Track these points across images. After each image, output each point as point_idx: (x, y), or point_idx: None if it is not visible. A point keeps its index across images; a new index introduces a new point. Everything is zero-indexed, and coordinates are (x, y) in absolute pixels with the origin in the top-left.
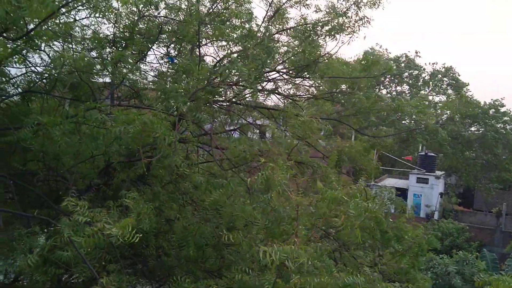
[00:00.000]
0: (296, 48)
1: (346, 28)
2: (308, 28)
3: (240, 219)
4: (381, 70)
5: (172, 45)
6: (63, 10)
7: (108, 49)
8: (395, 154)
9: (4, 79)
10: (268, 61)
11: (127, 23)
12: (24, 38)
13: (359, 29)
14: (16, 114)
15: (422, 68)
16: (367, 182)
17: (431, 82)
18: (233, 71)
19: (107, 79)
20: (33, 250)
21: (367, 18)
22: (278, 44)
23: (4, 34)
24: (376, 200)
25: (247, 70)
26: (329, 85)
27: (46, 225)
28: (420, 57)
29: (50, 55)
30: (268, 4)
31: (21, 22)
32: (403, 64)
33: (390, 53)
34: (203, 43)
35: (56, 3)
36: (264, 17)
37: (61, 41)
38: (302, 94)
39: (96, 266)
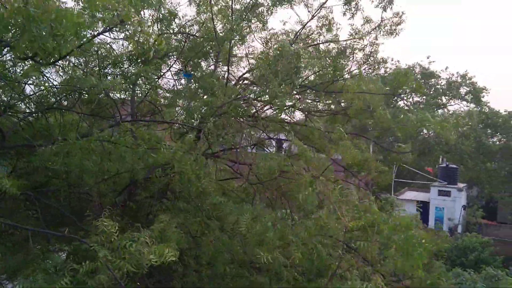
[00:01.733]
0: (320, 66)
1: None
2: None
3: (273, 241)
4: (411, 89)
5: (190, 62)
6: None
7: (126, 66)
8: (414, 166)
9: (22, 96)
10: (299, 80)
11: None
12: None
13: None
14: (38, 130)
15: (438, 76)
16: (385, 194)
17: (448, 91)
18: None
19: (125, 96)
20: (59, 268)
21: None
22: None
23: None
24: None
25: (282, 88)
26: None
27: (67, 243)
28: (433, 62)
29: (70, 72)
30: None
31: (54, 50)
32: (418, 75)
33: (402, 65)
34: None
35: (89, 34)
36: (295, 36)
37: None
38: (322, 109)
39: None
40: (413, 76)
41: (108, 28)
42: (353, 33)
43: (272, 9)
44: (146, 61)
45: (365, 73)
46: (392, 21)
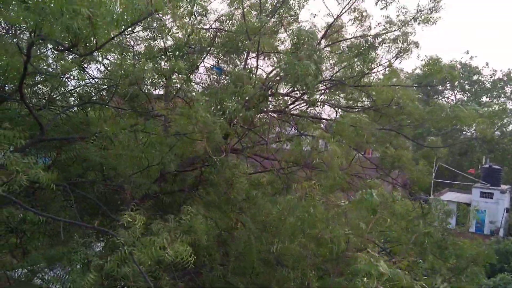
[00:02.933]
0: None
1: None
2: (363, 43)
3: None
4: (445, 77)
5: (222, 56)
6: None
7: (161, 62)
8: (455, 167)
9: (64, 90)
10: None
11: (180, 36)
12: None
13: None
14: (76, 124)
15: (480, 72)
16: (425, 196)
17: (492, 90)
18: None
19: (161, 91)
20: (91, 260)
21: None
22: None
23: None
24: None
25: (313, 65)
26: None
27: (103, 234)
28: (475, 57)
29: (108, 67)
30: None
31: (92, 39)
32: (460, 71)
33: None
34: (252, 54)
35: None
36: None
37: (116, 53)
38: (353, 105)
39: (152, 280)
40: (445, 65)
41: (142, 17)
42: (387, 24)
43: (304, 3)
44: (180, 55)
45: (397, 64)
46: (429, 8)
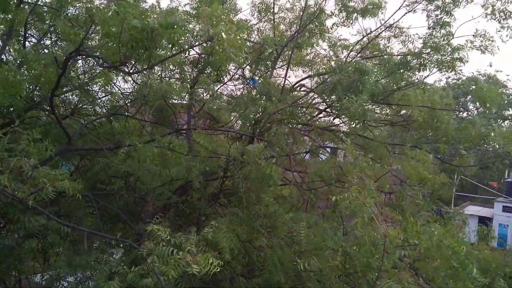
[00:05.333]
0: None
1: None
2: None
3: (323, 248)
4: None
5: (248, 67)
6: None
7: (188, 71)
8: (477, 180)
9: (91, 100)
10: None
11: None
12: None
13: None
14: (102, 134)
15: (505, 86)
16: (447, 209)
17: None
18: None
19: (183, 101)
20: (113, 270)
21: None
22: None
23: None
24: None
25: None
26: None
27: (123, 241)
28: (500, 71)
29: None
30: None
31: (141, 58)
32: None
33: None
34: (280, 65)
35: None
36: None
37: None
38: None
39: None
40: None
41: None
42: (432, 44)
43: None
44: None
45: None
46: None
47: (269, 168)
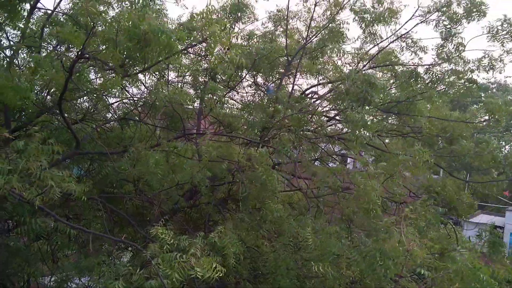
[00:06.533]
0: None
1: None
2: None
3: (329, 254)
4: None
5: (260, 75)
6: None
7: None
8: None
9: (103, 106)
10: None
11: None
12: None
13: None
14: (111, 139)
15: None
16: (458, 219)
17: None
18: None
19: (196, 105)
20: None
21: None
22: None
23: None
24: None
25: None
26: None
27: (130, 244)
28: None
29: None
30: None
31: (142, 60)
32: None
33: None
34: (291, 73)
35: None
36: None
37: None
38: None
39: None
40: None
41: (192, 44)
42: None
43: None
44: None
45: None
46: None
47: (265, 174)
